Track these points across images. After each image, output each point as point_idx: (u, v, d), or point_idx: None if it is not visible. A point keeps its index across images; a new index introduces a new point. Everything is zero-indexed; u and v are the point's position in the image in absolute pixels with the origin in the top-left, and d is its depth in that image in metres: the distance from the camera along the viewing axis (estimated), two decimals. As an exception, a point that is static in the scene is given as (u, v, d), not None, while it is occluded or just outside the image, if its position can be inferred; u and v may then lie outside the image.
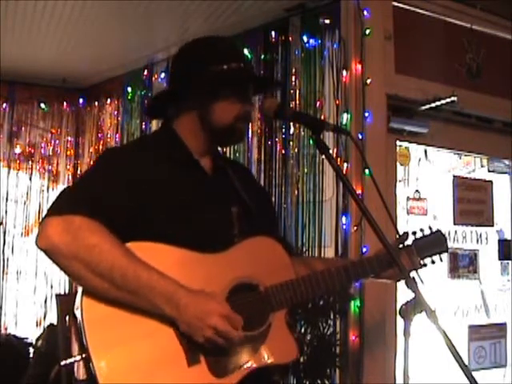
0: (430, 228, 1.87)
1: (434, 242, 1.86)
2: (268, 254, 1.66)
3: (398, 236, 1.79)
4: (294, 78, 3.61)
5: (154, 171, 1.60)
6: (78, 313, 1.47)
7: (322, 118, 3.36)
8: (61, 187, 5.12)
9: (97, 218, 1.46)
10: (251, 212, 1.72)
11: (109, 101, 5.07)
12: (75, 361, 1.53)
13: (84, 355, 1.45)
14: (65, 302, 1.66)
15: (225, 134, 1.70)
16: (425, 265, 1.83)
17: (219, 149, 1.86)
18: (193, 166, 1.69)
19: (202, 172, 1.71)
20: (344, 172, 3.08)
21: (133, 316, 1.46)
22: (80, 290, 1.48)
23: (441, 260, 1.87)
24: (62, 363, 1.57)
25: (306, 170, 3.49)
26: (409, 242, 1.83)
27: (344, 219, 3.17)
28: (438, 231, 1.88)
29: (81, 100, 5.24)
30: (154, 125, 4.45)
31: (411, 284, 1.42)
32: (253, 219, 1.71)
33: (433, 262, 1.86)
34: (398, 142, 3.53)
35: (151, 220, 1.55)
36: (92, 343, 1.42)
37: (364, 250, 3.06)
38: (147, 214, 1.55)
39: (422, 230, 1.86)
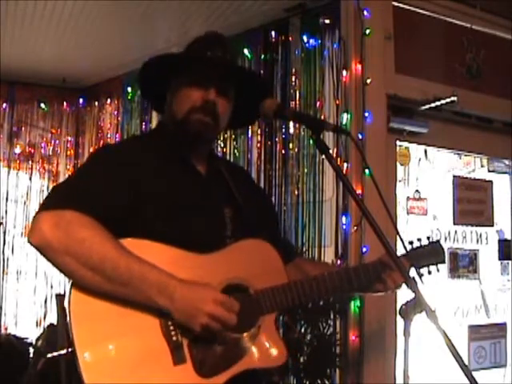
0: (428, 238, 1.87)
1: (431, 252, 1.85)
2: (260, 256, 1.65)
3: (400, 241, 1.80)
4: (294, 78, 3.61)
5: (145, 170, 1.59)
6: (66, 306, 1.46)
7: (322, 117, 3.36)
8: (61, 187, 5.11)
9: (87, 213, 1.45)
10: (245, 214, 1.71)
11: (109, 101, 5.08)
12: (60, 354, 1.53)
13: (70, 349, 1.43)
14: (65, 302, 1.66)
15: (181, 127, 1.66)
16: (422, 274, 1.83)
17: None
18: (185, 166, 1.69)
19: (195, 172, 1.71)
20: (344, 172, 3.08)
21: (120, 311, 1.45)
22: (69, 283, 1.47)
23: (438, 270, 1.87)
24: (49, 355, 1.57)
25: (306, 170, 3.49)
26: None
27: (344, 219, 3.16)
28: (436, 242, 1.88)
29: (81, 100, 5.24)
30: (154, 124, 4.45)
31: (411, 284, 1.42)
32: (247, 221, 1.70)
33: (429, 273, 1.86)
34: (398, 142, 3.53)
35: (141, 219, 1.54)
36: (78, 337, 1.41)
37: (364, 250, 3.06)
38: (137, 213, 1.54)
39: (419, 240, 1.86)
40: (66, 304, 1.46)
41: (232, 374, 1.50)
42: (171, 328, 1.47)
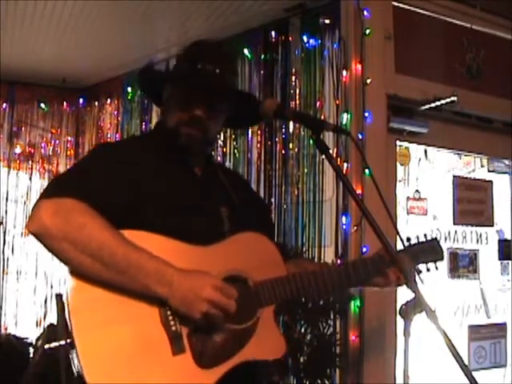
0: (426, 235, 1.87)
1: (428, 250, 1.86)
2: (259, 249, 1.65)
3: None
4: (294, 78, 3.61)
5: (145, 170, 1.60)
6: (64, 296, 1.45)
7: (322, 117, 3.36)
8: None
9: (87, 202, 1.46)
10: (241, 213, 1.71)
11: (109, 101, 5.08)
12: (60, 345, 1.51)
13: (69, 340, 1.42)
14: (65, 302, 1.65)
15: (171, 138, 1.68)
16: (420, 271, 1.83)
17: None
18: (185, 166, 1.70)
19: (193, 173, 1.72)
20: (344, 172, 3.08)
21: (119, 300, 1.44)
22: (67, 272, 1.45)
23: (436, 268, 1.87)
24: (46, 347, 1.56)
25: (306, 170, 3.49)
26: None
27: (344, 219, 3.16)
28: (435, 239, 1.88)
29: (81, 100, 5.25)
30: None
31: (411, 284, 1.42)
32: (244, 220, 1.70)
33: (428, 270, 1.86)
34: (398, 142, 3.53)
35: (141, 218, 1.54)
36: (76, 326, 1.40)
37: (364, 250, 3.06)
38: (137, 212, 1.54)
39: (417, 237, 1.86)
40: (64, 294, 1.45)
41: (232, 366, 1.50)
42: (170, 318, 1.47)
